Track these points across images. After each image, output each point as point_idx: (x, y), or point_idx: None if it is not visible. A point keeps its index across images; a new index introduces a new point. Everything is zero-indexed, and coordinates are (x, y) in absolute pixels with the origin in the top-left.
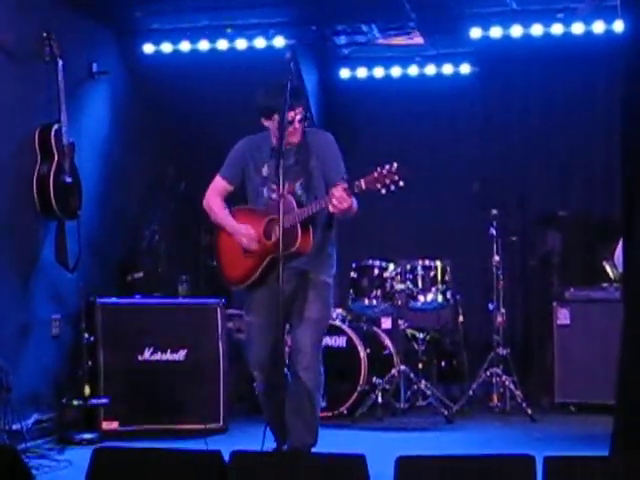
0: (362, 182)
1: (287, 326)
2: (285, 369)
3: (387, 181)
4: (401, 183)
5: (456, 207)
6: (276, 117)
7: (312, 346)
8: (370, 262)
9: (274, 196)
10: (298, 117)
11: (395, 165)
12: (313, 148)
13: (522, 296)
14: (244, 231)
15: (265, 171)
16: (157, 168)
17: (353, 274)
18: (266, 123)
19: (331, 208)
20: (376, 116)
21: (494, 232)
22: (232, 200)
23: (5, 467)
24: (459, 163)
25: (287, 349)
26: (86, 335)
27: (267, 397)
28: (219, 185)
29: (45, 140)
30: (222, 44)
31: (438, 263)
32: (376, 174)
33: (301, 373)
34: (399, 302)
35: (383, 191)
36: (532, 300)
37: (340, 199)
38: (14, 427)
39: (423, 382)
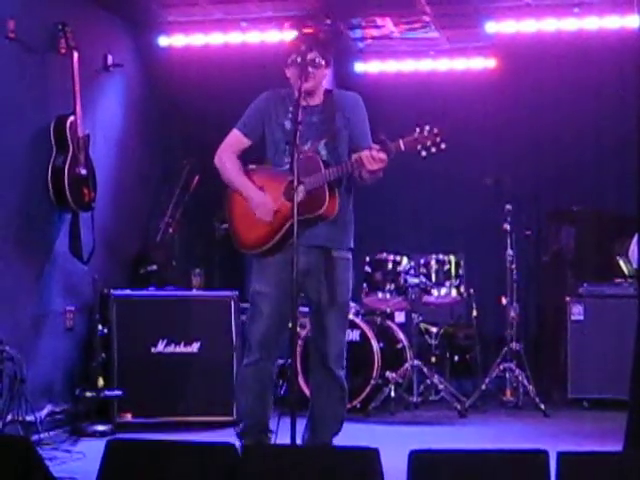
0: (401, 143)
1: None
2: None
3: (428, 142)
4: (442, 145)
5: (470, 202)
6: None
7: (342, 333)
8: (384, 256)
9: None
10: (316, 59)
11: (436, 128)
12: (339, 106)
13: (536, 291)
14: (259, 200)
15: (288, 125)
16: (171, 161)
17: (367, 268)
18: (288, 73)
19: (367, 164)
20: (390, 110)
21: (508, 227)
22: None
23: (19, 458)
24: (473, 158)
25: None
26: (100, 327)
27: (254, 378)
28: (234, 139)
29: (60, 132)
30: (236, 37)
31: (452, 257)
32: (416, 134)
33: (332, 362)
34: (413, 296)
35: (423, 153)
36: (546, 295)
37: (376, 159)
38: (28, 418)
39: (436, 376)
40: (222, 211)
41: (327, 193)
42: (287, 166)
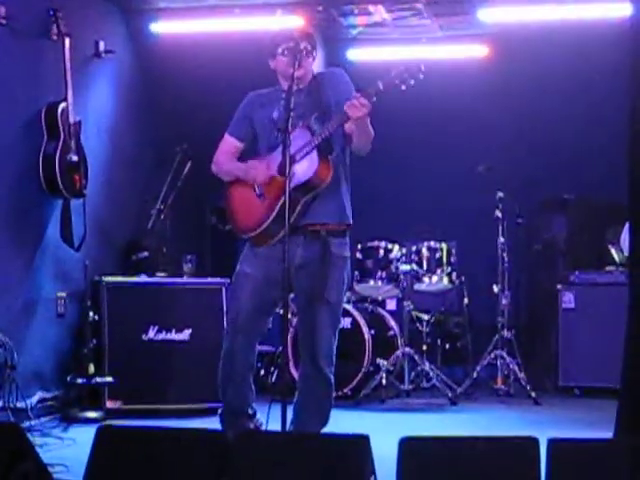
0: (379, 83)
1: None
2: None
3: (405, 75)
4: (420, 75)
5: (462, 189)
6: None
7: (333, 331)
8: (375, 243)
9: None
10: (308, 48)
11: (412, 63)
12: (324, 81)
13: (527, 279)
14: (250, 168)
15: (276, 115)
16: (163, 147)
17: (358, 255)
18: (273, 64)
19: (350, 112)
20: (382, 97)
21: (500, 214)
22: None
23: (9, 445)
24: (465, 145)
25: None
26: (91, 314)
27: (231, 365)
28: (227, 144)
29: (51, 118)
30: (230, 24)
31: (443, 245)
32: (393, 72)
33: (321, 361)
34: (404, 284)
35: (403, 87)
36: (537, 283)
37: (358, 105)
38: (18, 405)
39: (427, 364)
40: (217, 205)
41: (316, 157)
42: (278, 148)
